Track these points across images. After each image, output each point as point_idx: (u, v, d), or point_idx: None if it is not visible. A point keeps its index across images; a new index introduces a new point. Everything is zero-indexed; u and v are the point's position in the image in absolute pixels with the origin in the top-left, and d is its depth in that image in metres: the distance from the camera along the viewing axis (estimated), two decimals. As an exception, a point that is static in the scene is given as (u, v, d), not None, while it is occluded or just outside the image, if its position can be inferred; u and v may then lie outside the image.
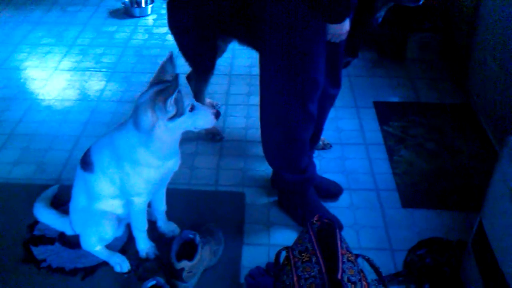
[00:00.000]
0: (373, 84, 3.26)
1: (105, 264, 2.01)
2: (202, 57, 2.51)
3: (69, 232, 2.08)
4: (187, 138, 1.80)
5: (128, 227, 2.06)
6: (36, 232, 2.13)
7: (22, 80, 3.38)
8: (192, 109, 1.71)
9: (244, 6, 2.16)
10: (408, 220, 2.25)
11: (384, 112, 2.96)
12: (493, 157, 2.59)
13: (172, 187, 2.06)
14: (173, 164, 1.86)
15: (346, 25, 1.75)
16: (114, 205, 1.92)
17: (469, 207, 2.29)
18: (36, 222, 2.15)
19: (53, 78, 3.39)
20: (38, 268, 2.00)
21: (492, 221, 1.67)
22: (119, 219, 1.98)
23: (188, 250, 1.89)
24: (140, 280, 1.92)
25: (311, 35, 1.75)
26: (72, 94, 3.22)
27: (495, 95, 2.71)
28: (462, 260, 1.94)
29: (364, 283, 1.61)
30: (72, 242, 2.07)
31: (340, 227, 2.15)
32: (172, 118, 1.66)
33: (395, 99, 3.12)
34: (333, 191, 2.36)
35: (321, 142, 2.60)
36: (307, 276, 1.57)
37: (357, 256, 1.68)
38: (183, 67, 2.56)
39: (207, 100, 2.86)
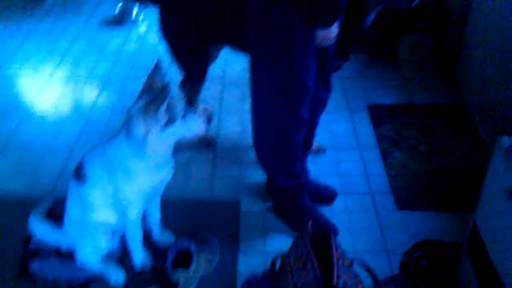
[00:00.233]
0: (365, 86, 3.27)
1: (101, 276, 2.00)
2: (194, 64, 2.51)
3: (64, 245, 2.07)
4: (181, 147, 1.79)
5: (123, 237, 2.05)
6: (31, 246, 2.11)
7: (15, 92, 3.38)
8: (184, 116, 1.71)
9: (234, 11, 2.16)
10: (403, 222, 2.26)
11: (377, 115, 2.97)
12: (487, 156, 2.59)
13: (166, 196, 2.05)
14: (166, 173, 1.85)
15: (334, 30, 1.75)
16: (108, 216, 1.91)
17: (464, 208, 2.30)
18: (31, 235, 2.13)
19: (46, 89, 3.38)
20: (34, 283, 1.99)
21: (486, 222, 1.67)
22: (114, 230, 1.97)
23: (184, 259, 1.89)
24: (137, 291, 1.93)
25: (300, 40, 1.76)
26: (65, 104, 3.21)
27: (487, 94, 2.72)
28: (457, 261, 1.95)
29: (360, 287, 1.61)
30: (67, 255, 2.06)
31: (336, 232, 2.16)
32: (164, 127, 1.66)
33: (388, 101, 3.12)
34: (327, 196, 2.36)
35: (314, 147, 2.60)
36: (302, 282, 1.58)
37: (352, 260, 1.68)
38: (175, 73, 2.56)
39: (201, 106, 2.85)
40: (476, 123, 2.83)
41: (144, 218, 2.01)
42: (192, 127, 1.77)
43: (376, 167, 2.58)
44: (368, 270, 1.70)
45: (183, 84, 2.65)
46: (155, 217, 2.09)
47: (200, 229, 2.19)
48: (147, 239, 2.09)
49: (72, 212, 1.95)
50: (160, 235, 2.13)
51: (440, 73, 3.36)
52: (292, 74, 1.83)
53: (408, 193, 2.41)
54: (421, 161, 2.61)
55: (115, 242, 2.04)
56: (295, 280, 1.61)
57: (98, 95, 3.29)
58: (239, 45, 2.37)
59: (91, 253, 1.97)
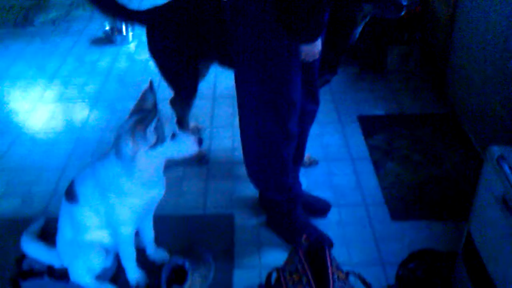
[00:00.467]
0: (355, 98, 3.29)
1: (95, 296, 1.99)
2: (184, 82, 2.51)
3: (57, 264, 2.05)
4: (173, 163, 1.79)
5: (117, 256, 2.03)
6: (24, 267, 2.10)
7: (5, 114, 3.37)
8: (174, 136, 1.71)
9: (219, 29, 2.18)
10: (398, 233, 2.25)
11: (368, 126, 2.98)
12: (479, 165, 2.60)
13: (159, 212, 2.04)
14: (157, 192, 1.85)
15: (318, 45, 1.76)
16: (101, 236, 1.90)
17: (458, 216, 2.30)
18: (23, 256, 2.12)
19: (36, 110, 3.38)
20: (27, 303, 1.97)
21: (480, 231, 1.67)
22: (107, 249, 1.96)
23: (178, 277, 1.87)
24: (132, 310, 1.91)
25: (285, 55, 1.76)
26: (56, 125, 3.21)
27: (476, 102, 2.74)
28: (453, 271, 1.94)
29: (356, 300, 1.61)
30: (61, 275, 2.04)
31: (330, 244, 2.15)
32: (153, 146, 1.65)
33: (378, 112, 3.14)
34: (321, 208, 2.36)
35: (307, 159, 2.60)
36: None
37: (348, 273, 1.68)
38: (165, 91, 2.57)
39: (192, 124, 2.86)
40: (467, 132, 2.85)
41: (137, 235, 2.01)
42: (183, 148, 1.76)
43: (369, 178, 2.58)
44: (364, 282, 1.69)
45: (173, 102, 2.65)
46: (149, 234, 2.07)
47: (194, 245, 2.18)
48: (141, 256, 2.08)
49: (64, 232, 1.94)
50: (154, 253, 2.12)
51: (429, 82, 3.39)
52: (278, 89, 1.83)
53: (402, 203, 2.41)
54: (413, 171, 2.61)
55: (109, 261, 2.02)
56: (291, 294, 1.60)
57: (89, 114, 3.29)
58: (226, 62, 2.39)
59: (85, 273, 1.95)
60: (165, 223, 2.23)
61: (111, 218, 1.82)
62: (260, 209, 2.37)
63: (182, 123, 2.69)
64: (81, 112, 3.32)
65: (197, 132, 2.94)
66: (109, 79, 3.71)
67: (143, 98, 1.73)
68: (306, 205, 2.30)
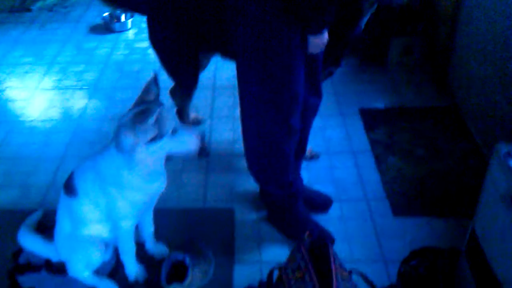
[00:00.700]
0: (357, 90, 3.25)
1: (93, 290, 1.97)
2: (185, 72, 2.48)
3: (55, 258, 2.03)
4: (173, 155, 1.75)
5: (116, 250, 2.01)
6: (21, 261, 2.07)
7: (2, 102, 3.33)
8: (174, 132, 1.67)
9: (222, 20, 2.14)
10: (400, 229, 2.23)
11: (370, 119, 2.95)
12: (481, 158, 2.59)
13: (159, 206, 2.00)
14: (158, 185, 1.81)
15: (325, 36, 1.73)
16: (100, 230, 1.87)
17: (460, 213, 2.28)
18: (21, 250, 2.10)
19: (34, 98, 3.34)
20: (24, 298, 1.95)
21: (485, 228, 1.65)
22: (106, 243, 1.93)
23: (178, 272, 1.85)
24: (131, 305, 1.89)
25: (289, 47, 1.72)
26: (54, 114, 3.17)
27: (478, 96, 2.71)
28: (455, 268, 1.93)
29: (359, 299, 1.59)
30: (58, 269, 2.02)
31: (332, 240, 2.13)
32: (152, 141, 1.61)
33: (380, 105, 3.11)
34: (322, 203, 2.33)
35: (308, 153, 2.58)
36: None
37: (350, 272, 1.66)
38: (166, 81, 2.53)
39: (192, 115, 2.83)
40: (470, 125, 2.82)
41: (137, 230, 1.98)
42: (183, 144, 1.71)
43: (371, 173, 2.55)
44: (367, 280, 1.67)
45: (173, 92, 2.62)
46: (149, 229, 2.05)
47: (194, 239, 2.16)
48: (140, 251, 2.05)
49: (63, 226, 1.91)
50: (154, 247, 2.09)
51: (432, 75, 3.35)
52: (281, 82, 1.80)
53: (404, 198, 2.39)
54: (415, 166, 2.59)
55: (108, 255, 2.00)
56: (293, 292, 1.58)
57: (87, 103, 3.25)
58: (228, 53, 2.35)
59: (83, 267, 1.93)
60: (164, 216, 2.20)
61: (111, 212, 1.79)
62: (261, 203, 2.35)
63: (182, 114, 2.66)
64: (79, 101, 3.28)
65: (198, 124, 2.91)
66: (107, 67, 3.67)
67: (146, 90, 1.69)
68: (307, 200, 2.28)
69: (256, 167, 2.13)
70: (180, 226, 2.26)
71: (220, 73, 3.43)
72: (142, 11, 2.39)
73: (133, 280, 1.98)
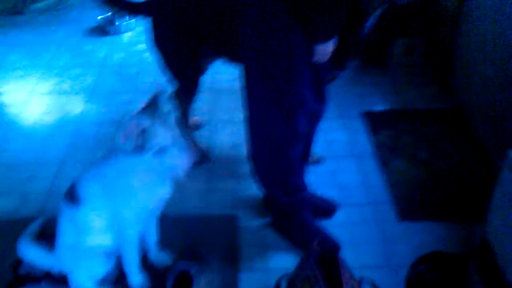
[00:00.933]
0: (359, 93, 3.22)
1: (96, 301, 1.93)
2: (187, 76, 2.46)
3: (56, 269, 1.98)
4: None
5: (119, 259, 1.97)
6: (21, 272, 2.03)
7: (-1, 106, 3.29)
8: (162, 151, 1.61)
9: (227, 23, 2.10)
10: (407, 234, 2.20)
11: (373, 122, 2.91)
12: (485, 160, 2.56)
13: (161, 213, 1.96)
14: (164, 192, 1.78)
15: (332, 44, 1.70)
16: (104, 239, 1.84)
17: (467, 216, 2.25)
18: (20, 260, 2.05)
19: (30, 103, 3.29)
20: (24, 310, 1.91)
21: (497, 235, 1.63)
22: (109, 253, 1.89)
23: (183, 281, 1.82)
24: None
25: (290, 48, 1.69)
26: (51, 118, 3.12)
27: (482, 97, 2.68)
28: (465, 273, 1.90)
29: (370, 308, 1.56)
30: (59, 280, 1.97)
31: (338, 247, 2.09)
32: (130, 154, 1.56)
33: (382, 107, 3.07)
34: (327, 209, 2.30)
35: (313, 156, 2.54)
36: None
37: (360, 280, 1.63)
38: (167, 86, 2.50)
39: (193, 118, 2.80)
40: (474, 127, 2.79)
41: (141, 238, 1.94)
42: (168, 166, 1.65)
43: (376, 176, 2.52)
44: (377, 288, 1.65)
45: (175, 96, 2.58)
46: (153, 237, 2.02)
47: (197, 247, 2.12)
48: (145, 260, 2.02)
49: (65, 236, 1.87)
50: (158, 256, 2.06)
51: (434, 77, 3.32)
52: (287, 87, 1.77)
53: (409, 202, 2.36)
54: (420, 169, 2.55)
55: (111, 264, 1.96)
56: (303, 302, 1.55)
57: (85, 107, 3.21)
58: (233, 57, 2.31)
59: (86, 278, 1.90)
60: (166, 224, 2.14)
61: (117, 220, 1.76)
62: (265, 209, 2.31)
63: (184, 118, 2.62)
64: (77, 105, 3.23)
65: (197, 128, 2.87)
66: (104, 70, 3.63)
67: (152, 102, 1.65)
68: (312, 206, 2.24)
69: (261, 173, 2.09)
70: (182, 233, 2.22)
71: (222, 77, 3.38)
72: (146, 14, 2.36)
73: (137, 290, 1.95)
